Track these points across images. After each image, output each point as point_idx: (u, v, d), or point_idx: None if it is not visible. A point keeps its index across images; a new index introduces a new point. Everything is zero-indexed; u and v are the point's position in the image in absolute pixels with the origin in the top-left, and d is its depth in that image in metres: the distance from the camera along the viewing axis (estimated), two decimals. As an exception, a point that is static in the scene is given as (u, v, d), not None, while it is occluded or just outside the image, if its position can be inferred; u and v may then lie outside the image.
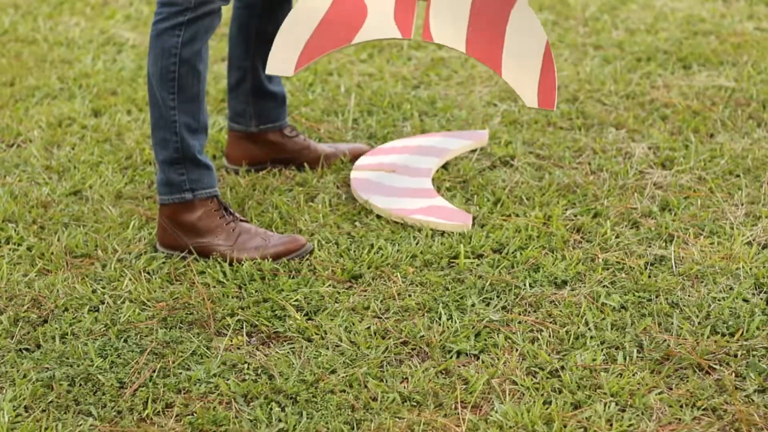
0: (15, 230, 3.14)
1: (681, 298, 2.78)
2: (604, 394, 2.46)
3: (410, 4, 2.52)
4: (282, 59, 2.72)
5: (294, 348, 2.65)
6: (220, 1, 2.95)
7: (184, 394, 2.50)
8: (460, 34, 2.40)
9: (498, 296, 2.83)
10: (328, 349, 2.64)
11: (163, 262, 2.98)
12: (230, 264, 2.94)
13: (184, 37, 2.93)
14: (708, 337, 2.63)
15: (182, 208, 3.00)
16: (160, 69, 2.95)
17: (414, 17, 2.52)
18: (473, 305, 2.79)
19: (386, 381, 2.52)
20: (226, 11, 3.60)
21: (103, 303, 2.83)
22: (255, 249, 2.97)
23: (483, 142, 3.53)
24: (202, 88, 3.00)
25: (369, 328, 2.71)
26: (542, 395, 2.48)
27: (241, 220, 3.05)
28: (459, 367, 2.58)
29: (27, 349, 2.67)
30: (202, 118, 3.00)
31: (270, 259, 2.95)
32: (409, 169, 3.36)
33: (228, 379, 2.53)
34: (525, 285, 2.86)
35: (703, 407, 2.41)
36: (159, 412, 2.45)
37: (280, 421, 2.41)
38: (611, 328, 2.67)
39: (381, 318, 2.76)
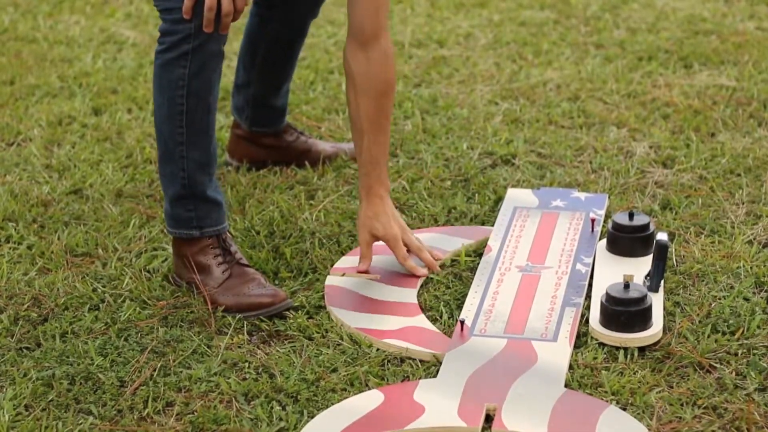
0: (15, 229, 3.14)
1: (682, 297, 2.78)
2: (605, 392, 2.45)
3: (478, 405, 2.36)
4: None
5: (295, 346, 2.65)
6: (216, 34, 2.71)
7: (185, 392, 2.50)
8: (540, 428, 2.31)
9: (499, 295, 2.83)
10: (329, 347, 2.64)
11: (164, 261, 2.98)
12: (213, 307, 2.76)
13: (191, 69, 2.72)
14: (709, 336, 2.62)
15: (183, 241, 2.85)
16: (167, 101, 2.75)
17: (483, 413, 2.36)
18: (474, 304, 2.78)
19: (387, 380, 2.52)
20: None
21: (104, 302, 2.83)
22: (234, 296, 2.76)
23: (485, 238, 3.07)
24: (211, 120, 2.80)
25: (370, 326, 2.71)
26: (543, 394, 2.48)
27: (240, 264, 2.83)
28: (460, 365, 2.58)
29: (27, 348, 2.67)
30: (212, 149, 2.82)
31: (242, 314, 2.74)
32: (395, 276, 2.93)
33: (229, 378, 2.53)
34: (526, 284, 2.86)
35: (703, 406, 2.41)
36: (159, 410, 2.45)
37: (281, 420, 2.41)
38: (612, 327, 2.67)
39: (382, 317, 2.75)
